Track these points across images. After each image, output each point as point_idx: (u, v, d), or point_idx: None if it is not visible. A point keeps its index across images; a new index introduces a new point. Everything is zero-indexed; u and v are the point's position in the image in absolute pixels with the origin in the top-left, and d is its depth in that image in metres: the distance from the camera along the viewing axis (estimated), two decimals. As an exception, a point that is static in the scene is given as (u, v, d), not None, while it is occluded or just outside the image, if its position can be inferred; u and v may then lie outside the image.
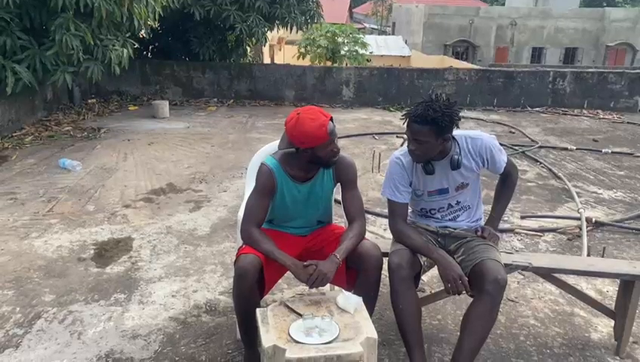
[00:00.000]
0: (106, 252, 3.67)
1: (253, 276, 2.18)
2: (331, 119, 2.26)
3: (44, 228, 4.02)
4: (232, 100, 9.83)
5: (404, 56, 26.29)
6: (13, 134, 6.71)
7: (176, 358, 2.54)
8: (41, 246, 3.72)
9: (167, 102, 8.65)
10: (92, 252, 3.66)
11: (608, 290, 3.26)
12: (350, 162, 2.45)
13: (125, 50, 6.57)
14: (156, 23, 7.82)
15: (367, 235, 2.46)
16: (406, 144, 2.46)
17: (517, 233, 4.13)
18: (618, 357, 2.61)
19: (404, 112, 2.34)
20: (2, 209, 4.38)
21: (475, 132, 2.48)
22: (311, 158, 2.29)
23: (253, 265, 2.19)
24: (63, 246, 3.72)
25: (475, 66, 15.76)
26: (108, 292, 3.13)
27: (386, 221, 3.42)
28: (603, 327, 2.87)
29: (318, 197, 2.45)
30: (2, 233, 3.91)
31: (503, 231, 4.05)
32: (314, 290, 2.26)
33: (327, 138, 2.22)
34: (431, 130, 2.23)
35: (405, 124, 2.32)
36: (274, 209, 2.44)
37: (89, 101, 9.15)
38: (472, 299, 2.31)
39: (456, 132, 2.36)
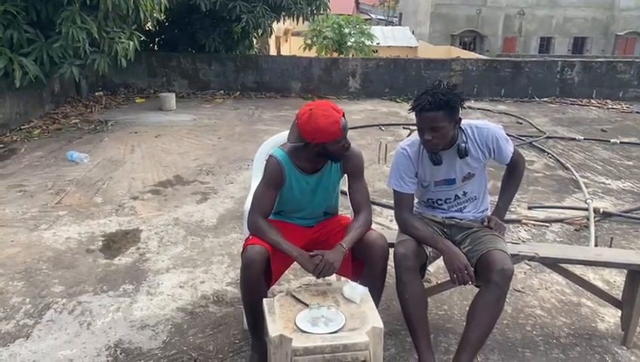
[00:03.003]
0: (114, 243, 3.70)
1: (261, 266, 2.20)
2: (343, 115, 2.26)
3: (53, 220, 4.05)
4: (238, 92, 9.84)
5: (411, 47, 26.14)
6: (22, 127, 6.76)
7: (184, 348, 2.57)
8: (50, 237, 3.75)
9: (174, 95, 8.67)
10: (100, 243, 3.69)
11: (615, 280, 3.25)
12: (358, 153, 2.45)
13: (131, 43, 6.59)
14: (162, 15, 7.81)
15: (374, 226, 2.46)
16: (412, 135, 2.46)
17: (524, 223, 4.12)
18: (625, 347, 2.61)
19: (410, 104, 2.33)
20: (12, 201, 4.42)
21: (482, 121, 2.48)
22: (321, 152, 2.29)
23: (261, 255, 2.20)
24: (72, 238, 3.75)
25: (482, 57, 15.67)
26: (116, 283, 3.16)
27: (392, 212, 3.43)
28: (610, 317, 2.86)
29: (326, 189, 2.45)
30: (12, 225, 3.95)
31: (509, 221, 4.04)
32: (320, 281, 2.27)
33: (340, 134, 2.22)
34: (445, 113, 2.23)
35: (415, 115, 2.30)
36: (282, 200, 2.45)
37: (96, 94, 9.19)
38: (478, 290, 2.32)
39: (462, 122, 2.35)
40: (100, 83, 9.50)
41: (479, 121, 2.50)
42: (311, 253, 2.23)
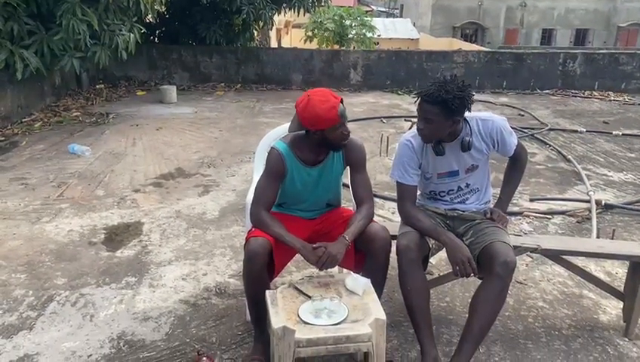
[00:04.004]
0: (116, 236, 3.70)
1: (263, 259, 2.20)
2: (341, 101, 2.25)
3: (55, 212, 4.06)
4: (239, 85, 9.81)
5: (412, 39, 26.09)
6: (23, 120, 6.75)
7: (187, 340, 2.57)
8: (53, 230, 3.76)
9: (175, 87, 8.65)
10: (102, 236, 3.70)
11: (617, 272, 3.26)
12: (360, 144, 2.44)
13: (132, 35, 6.56)
14: (163, 7, 7.78)
15: (376, 219, 2.46)
16: (415, 126, 2.45)
17: (526, 216, 4.12)
18: (627, 339, 2.61)
19: (417, 91, 2.33)
20: (13, 194, 4.42)
21: (486, 114, 2.47)
22: (321, 141, 2.29)
23: (263, 247, 2.20)
24: (74, 231, 3.76)
25: (484, 49, 15.60)
26: (119, 275, 3.17)
27: (394, 205, 3.42)
28: (612, 309, 2.86)
29: (328, 180, 2.45)
30: (14, 218, 3.96)
31: (511, 213, 4.03)
32: (322, 273, 2.27)
33: (338, 120, 2.21)
34: (440, 110, 2.21)
35: (417, 102, 2.31)
36: (285, 193, 2.44)
37: (97, 86, 9.17)
38: (480, 281, 2.32)
39: (467, 113, 2.34)
40: (100, 75, 9.47)
41: (484, 113, 2.50)
42: (314, 245, 2.23)
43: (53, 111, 7.40)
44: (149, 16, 8.20)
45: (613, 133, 6.82)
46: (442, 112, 2.22)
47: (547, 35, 32.22)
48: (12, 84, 6.43)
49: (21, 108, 6.86)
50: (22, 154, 5.53)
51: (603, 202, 4.30)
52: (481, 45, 25.36)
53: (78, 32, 5.72)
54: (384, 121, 7.39)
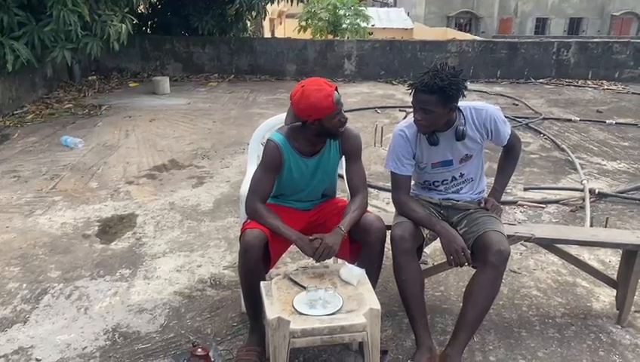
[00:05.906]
0: (110, 228, 3.69)
1: (259, 250, 2.19)
2: (336, 89, 2.24)
3: (48, 205, 4.04)
4: (232, 75, 9.76)
5: (406, 29, 25.94)
6: (15, 112, 6.70)
7: (182, 331, 2.57)
8: (46, 223, 3.74)
9: (168, 78, 8.60)
10: (96, 228, 3.68)
11: (611, 260, 3.27)
12: (356, 134, 2.43)
13: (124, 26, 6.51)
14: (154, -3, 7.73)
15: (370, 209, 2.46)
16: (410, 116, 2.44)
17: (520, 205, 4.13)
18: (620, 326, 2.63)
19: (410, 82, 2.32)
20: (6, 187, 4.39)
21: (480, 103, 2.46)
22: (318, 131, 2.27)
23: (259, 239, 2.19)
24: (68, 223, 3.74)
25: (478, 38, 15.55)
26: (113, 267, 3.16)
27: (388, 195, 3.43)
28: (605, 297, 2.88)
29: (325, 171, 2.44)
30: (7, 211, 3.93)
31: (505, 203, 4.04)
32: (317, 263, 2.27)
33: (334, 108, 2.19)
34: (438, 99, 2.20)
35: (411, 94, 2.29)
36: (281, 184, 2.43)
37: (89, 78, 9.10)
38: (474, 271, 2.32)
39: (461, 103, 2.33)
40: (92, 67, 9.41)
41: (478, 102, 2.49)
42: (310, 237, 2.22)
43: (45, 103, 7.34)
44: (141, 6, 8.16)
45: (607, 122, 6.83)
46: (439, 100, 2.21)
47: (541, 24, 32.16)
48: (2, 76, 6.37)
49: (12, 100, 6.80)
50: (14, 146, 5.49)
51: (597, 191, 4.32)
52: (475, 35, 25.28)
53: (69, 23, 5.67)
54: (378, 111, 7.38)
